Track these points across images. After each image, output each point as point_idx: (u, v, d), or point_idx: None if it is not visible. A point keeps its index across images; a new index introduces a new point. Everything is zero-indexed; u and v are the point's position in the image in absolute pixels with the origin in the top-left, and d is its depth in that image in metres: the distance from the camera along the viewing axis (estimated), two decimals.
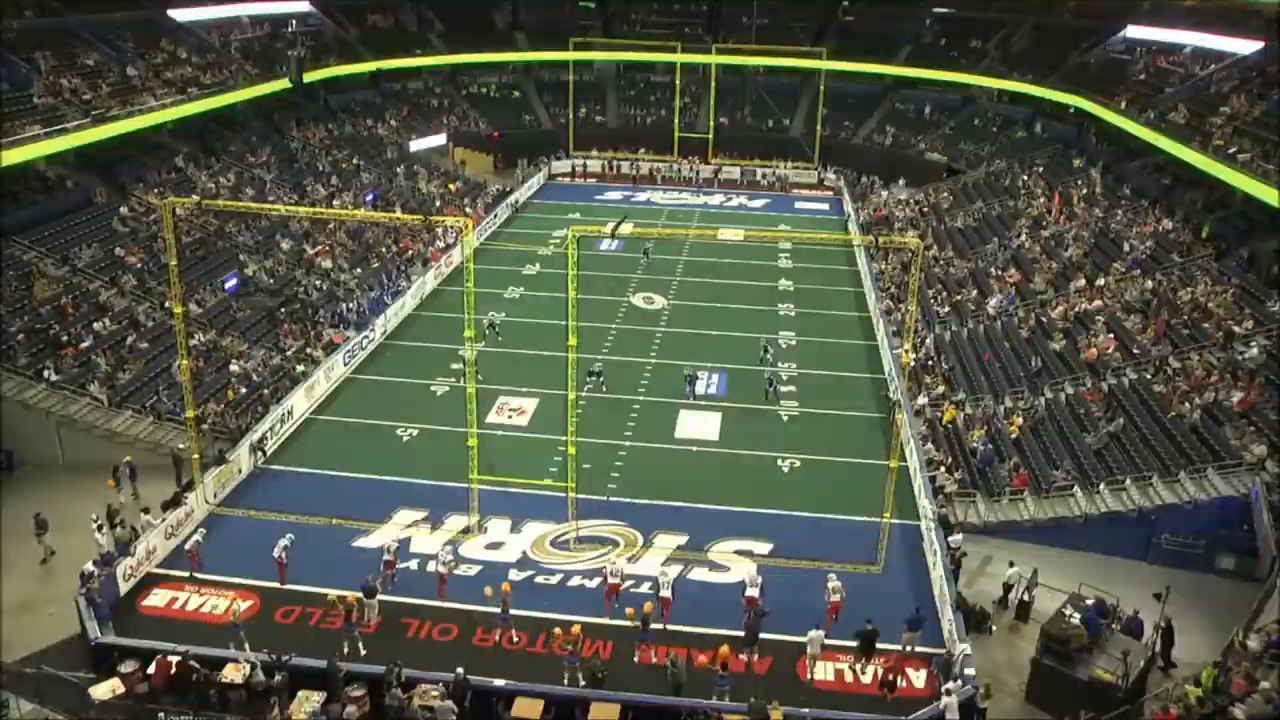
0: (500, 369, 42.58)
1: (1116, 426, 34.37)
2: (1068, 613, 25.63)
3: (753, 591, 27.73)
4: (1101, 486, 32.10)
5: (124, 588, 28.35)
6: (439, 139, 77.47)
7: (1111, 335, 40.06)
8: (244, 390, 39.25)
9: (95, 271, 42.52)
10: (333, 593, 27.03)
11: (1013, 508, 32.98)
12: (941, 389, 41.21)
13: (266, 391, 39.47)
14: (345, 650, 25.88)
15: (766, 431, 38.46)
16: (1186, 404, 33.84)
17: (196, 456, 31.79)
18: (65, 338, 37.90)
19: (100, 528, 29.80)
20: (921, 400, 40.24)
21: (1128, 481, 31.80)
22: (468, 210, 64.28)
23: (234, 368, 40.27)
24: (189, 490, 31.96)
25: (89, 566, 27.36)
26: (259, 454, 35.41)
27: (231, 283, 46.22)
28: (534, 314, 48.90)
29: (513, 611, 27.05)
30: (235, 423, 36.90)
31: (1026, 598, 28.55)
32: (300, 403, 38.87)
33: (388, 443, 36.87)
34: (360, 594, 27.13)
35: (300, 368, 41.39)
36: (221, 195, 51.72)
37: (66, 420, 34.99)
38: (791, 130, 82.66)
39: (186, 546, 29.49)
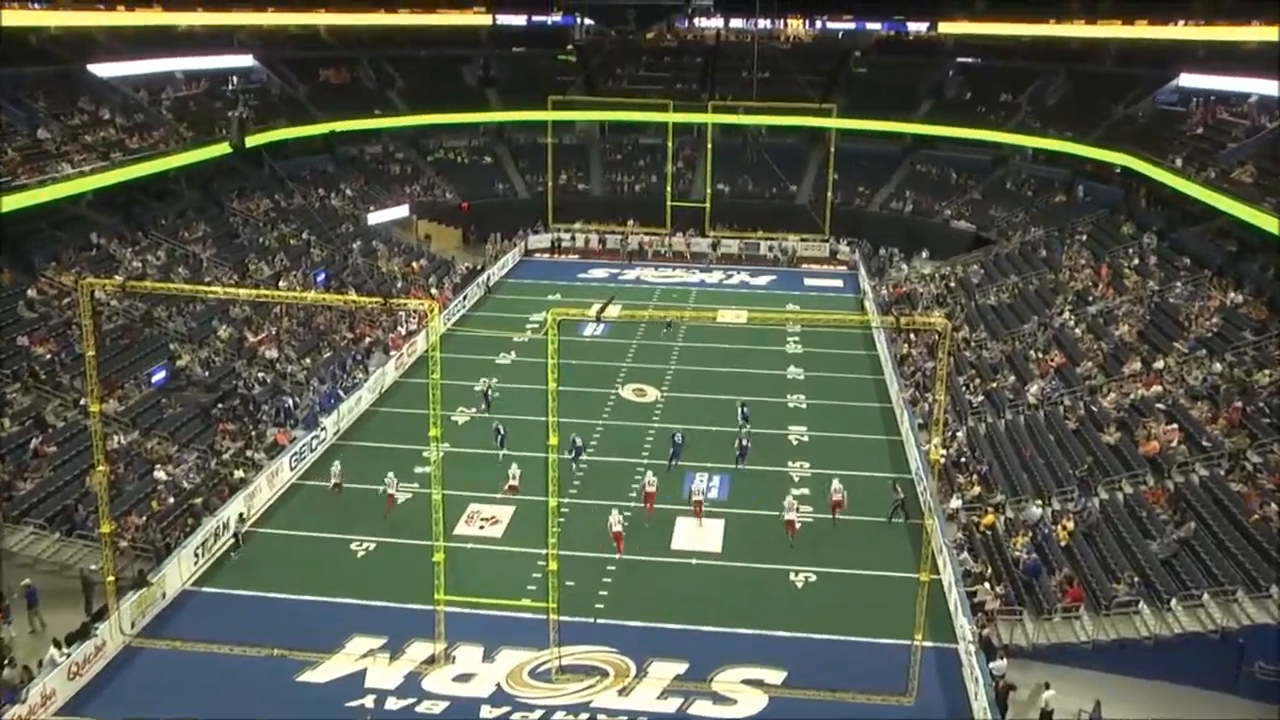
0: (471, 472, 42.34)
1: (1187, 531, 33.98)
2: None
3: (791, 515, 37.84)
4: (1173, 603, 31.58)
5: None
6: (400, 211, 77.85)
7: (1175, 426, 39.85)
8: (171, 500, 38.73)
9: None
10: None
11: (1067, 627, 32.49)
12: (977, 490, 40.90)
13: (198, 501, 38.97)
14: None
15: (777, 541, 38.09)
16: (1272, 504, 33.50)
17: (111, 579, 31.16)
18: None
19: None
20: (955, 503, 39.91)
21: (1205, 597, 31.27)
22: (433, 291, 64.38)
23: (160, 474, 39.81)
24: (100, 619, 31.24)
25: None
26: (237, 541, 36.49)
27: (159, 376, 45.96)
28: (509, 409, 48.70)
29: None
30: (160, 538, 36.29)
31: None
32: (238, 512, 38.43)
33: (340, 559, 36.44)
34: None
35: (239, 473, 40.99)
36: (149, 275, 51.73)
37: None
38: (799, 197, 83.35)
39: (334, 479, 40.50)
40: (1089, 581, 33.83)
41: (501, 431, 45.03)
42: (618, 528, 37.51)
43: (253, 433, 44.42)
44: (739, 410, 47.44)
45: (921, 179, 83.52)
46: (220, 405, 45.75)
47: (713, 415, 48.87)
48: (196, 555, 35.85)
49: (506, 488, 41.01)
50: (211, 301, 52.57)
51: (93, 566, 33.40)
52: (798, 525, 38.14)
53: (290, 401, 47.44)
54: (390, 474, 40.15)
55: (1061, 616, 32.81)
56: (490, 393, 49.97)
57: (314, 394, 48.57)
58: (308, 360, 52.24)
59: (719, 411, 49.19)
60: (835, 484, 39.73)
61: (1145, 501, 36.54)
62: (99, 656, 30.80)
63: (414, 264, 69.67)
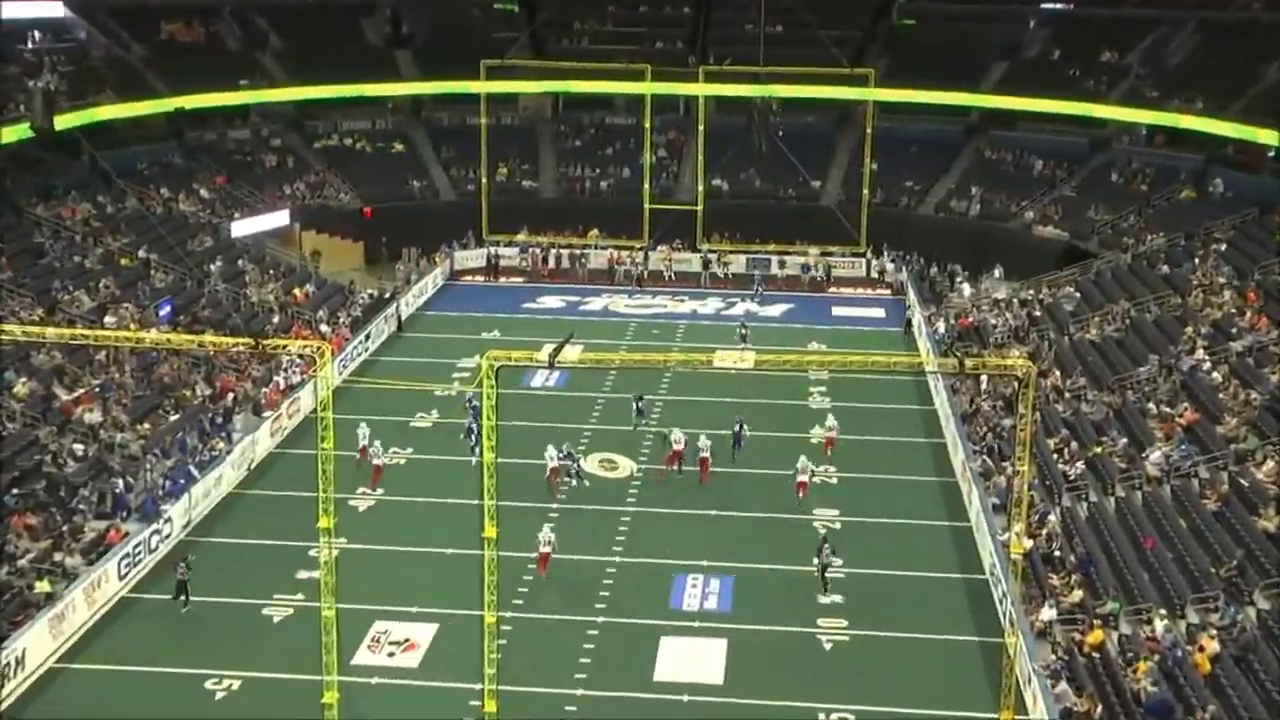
0: (378, 577, 42.14)
1: None
2: None
3: (804, 478, 47.46)
4: None
5: None
6: (278, 218, 77.78)
7: None
8: None
9: None
10: None
11: None
12: (1078, 596, 40.61)
13: None
14: None
15: (799, 666, 38.06)
16: None
17: None
18: None
19: None
20: (1047, 614, 39.64)
21: None
22: (324, 329, 64.17)
23: None
24: None
25: None
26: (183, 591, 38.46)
27: None
28: (428, 489, 48.66)
29: None
30: None
31: None
32: (41, 641, 38.02)
33: (191, 702, 35.96)
34: None
35: (43, 585, 40.34)
36: None
37: None
38: (824, 196, 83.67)
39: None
40: None
41: (475, 430, 48.59)
42: (545, 548, 42.27)
43: (64, 528, 43.82)
44: (634, 405, 54.66)
45: (992, 170, 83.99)
46: (16, 490, 45.11)
47: (708, 494, 49.00)
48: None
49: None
50: (4, 345, 52.00)
51: None
52: (818, 483, 48.39)
53: (120, 484, 46.91)
54: (371, 433, 49.61)
55: None
56: (472, 400, 52.40)
57: (154, 472, 48.09)
58: (145, 426, 51.77)
59: (717, 488, 49.33)
60: (829, 419, 52.64)
61: None
62: None
63: (297, 291, 69.56)
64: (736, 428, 51.61)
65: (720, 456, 50.28)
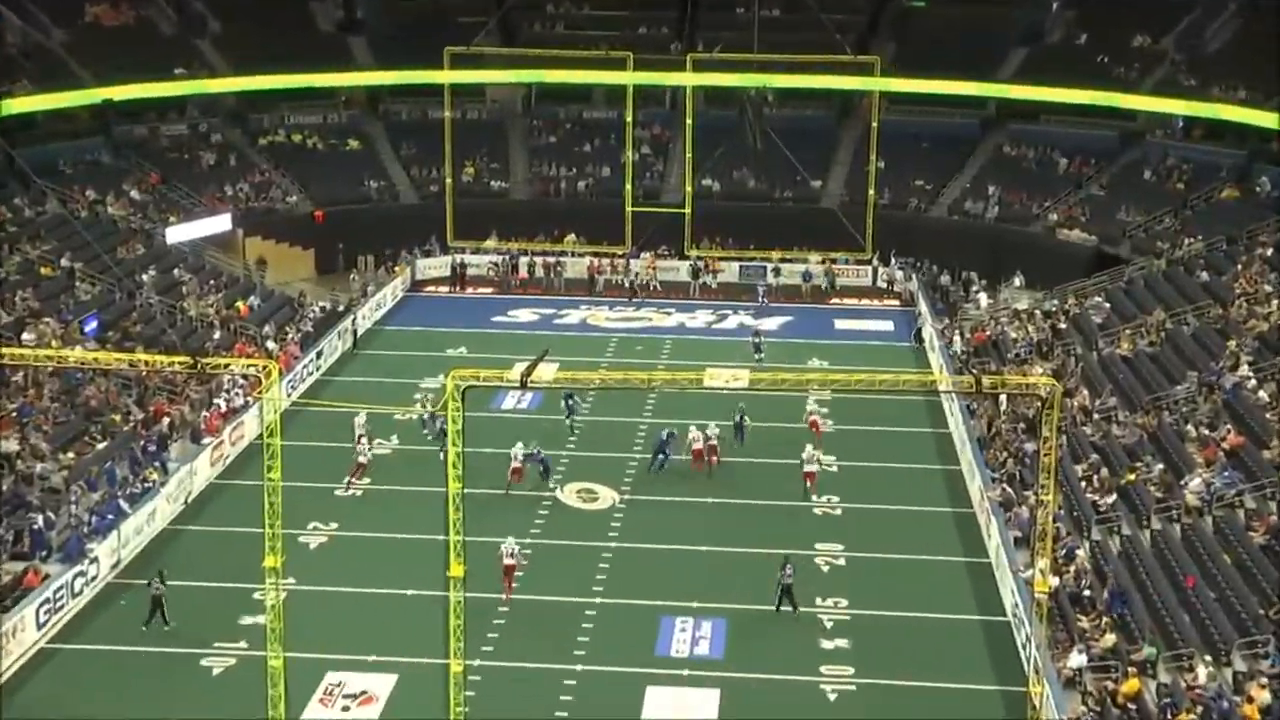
0: (331, 621, 42.05)
1: None
2: None
3: (811, 468, 51.15)
4: None
5: None
6: (218, 223, 77.59)
7: None
8: None
9: None
10: None
11: None
12: (1111, 640, 40.53)
13: None
14: None
15: (800, 719, 37.72)
16: None
17: None
18: None
19: None
20: (1076, 660, 39.55)
21: None
22: (270, 345, 64.03)
23: None
24: None
25: None
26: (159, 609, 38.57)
27: None
28: (388, 523, 48.59)
29: None
30: None
31: None
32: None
33: None
34: None
35: None
36: None
37: None
38: (826, 198, 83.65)
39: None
40: None
41: (439, 422, 50.01)
42: (509, 560, 43.26)
43: None
44: (564, 403, 57.84)
45: (1011, 167, 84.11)
46: None
47: (697, 529, 48.93)
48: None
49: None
50: None
51: None
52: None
53: (40, 520, 46.62)
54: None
55: None
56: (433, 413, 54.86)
57: (79, 507, 47.87)
58: (69, 455, 51.52)
59: (707, 522, 49.30)
60: (811, 403, 58.37)
61: None
62: None
63: (240, 304, 69.47)
64: (738, 417, 54.90)
65: (724, 469, 52.50)
